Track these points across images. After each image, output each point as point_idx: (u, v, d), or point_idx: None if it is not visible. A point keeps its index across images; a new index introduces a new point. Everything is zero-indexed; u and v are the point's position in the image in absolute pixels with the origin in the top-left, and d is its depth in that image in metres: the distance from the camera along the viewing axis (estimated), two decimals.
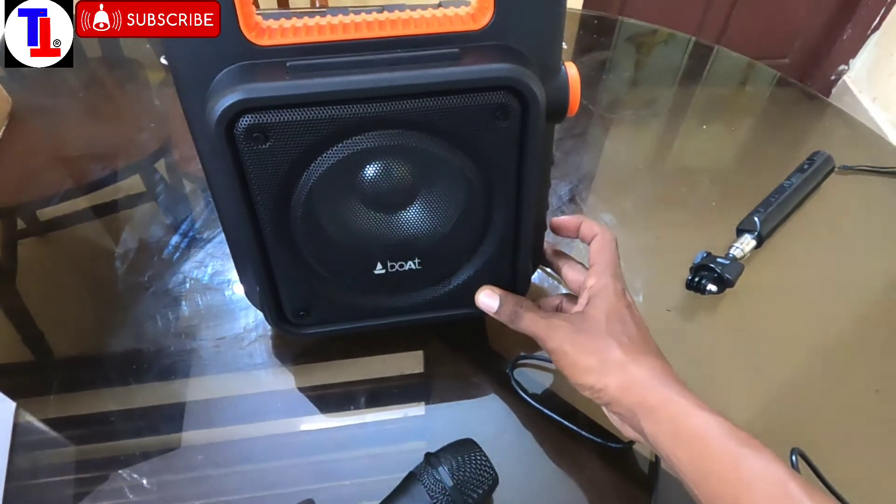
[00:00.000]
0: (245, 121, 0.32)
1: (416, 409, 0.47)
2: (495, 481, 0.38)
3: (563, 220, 0.46)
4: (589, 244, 0.44)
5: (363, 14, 0.35)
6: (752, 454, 0.32)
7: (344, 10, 0.36)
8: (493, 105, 0.34)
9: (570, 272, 0.45)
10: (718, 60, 0.91)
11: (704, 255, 0.53)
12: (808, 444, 0.41)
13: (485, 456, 0.38)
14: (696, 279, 0.52)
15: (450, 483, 0.36)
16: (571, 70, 0.38)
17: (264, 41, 0.33)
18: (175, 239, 0.57)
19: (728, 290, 0.52)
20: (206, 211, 0.60)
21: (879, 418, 0.47)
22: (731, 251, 0.55)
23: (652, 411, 0.35)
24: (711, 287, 0.51)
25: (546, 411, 0.45)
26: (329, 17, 0.35)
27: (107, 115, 0.76)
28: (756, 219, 0.56)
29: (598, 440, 0.44)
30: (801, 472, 0.40)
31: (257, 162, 0.34)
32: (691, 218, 0.64)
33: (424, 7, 0.36)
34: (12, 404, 0.44)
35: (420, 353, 0.50)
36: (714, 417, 0.34)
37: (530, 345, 0.49)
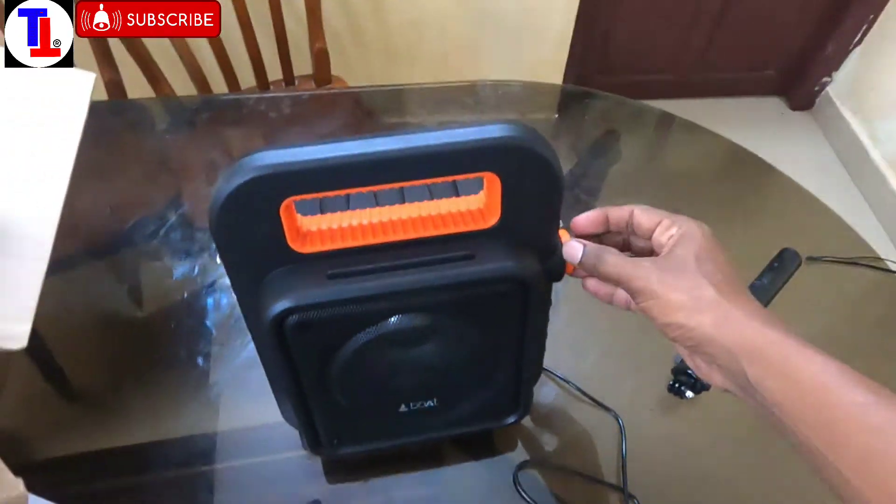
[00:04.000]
0: (293, 319, 0.38)
1: None
2: None
3: (584, 219, 0.43)
4: (630, 222, 0.42)
5: (389, 208, 0.41)
6: (880, 401, 0.30)
7: (371, 200, 0.42)
8: (499, 294, 0.41)
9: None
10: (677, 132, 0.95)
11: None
12: None
13: None
14: (676, 384, 0.59)
15: None
16: (565, 239, 0.44)
17: (307, 249, 0.39)
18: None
19: (703, 391, 0.59)
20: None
21: None
22: None
23: (758, 354, 0.33)
24: (689, 393, 0.58)
25: None
26: (359, 211, 0.41)
27: (115, 170, 0.79)
28: None
29: None
30: None
31: (302, 346, 0.40)
32: None
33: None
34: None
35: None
36: (833, 361, 0.31)
37: (534, 449, 0.56)
